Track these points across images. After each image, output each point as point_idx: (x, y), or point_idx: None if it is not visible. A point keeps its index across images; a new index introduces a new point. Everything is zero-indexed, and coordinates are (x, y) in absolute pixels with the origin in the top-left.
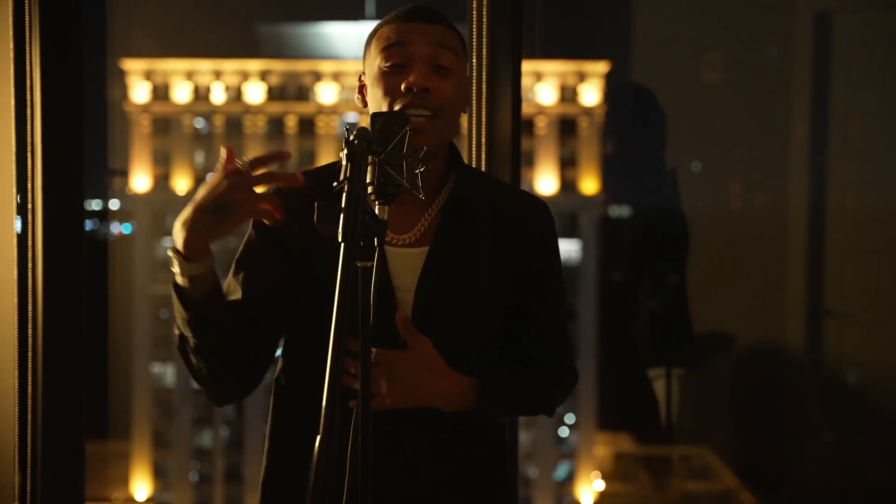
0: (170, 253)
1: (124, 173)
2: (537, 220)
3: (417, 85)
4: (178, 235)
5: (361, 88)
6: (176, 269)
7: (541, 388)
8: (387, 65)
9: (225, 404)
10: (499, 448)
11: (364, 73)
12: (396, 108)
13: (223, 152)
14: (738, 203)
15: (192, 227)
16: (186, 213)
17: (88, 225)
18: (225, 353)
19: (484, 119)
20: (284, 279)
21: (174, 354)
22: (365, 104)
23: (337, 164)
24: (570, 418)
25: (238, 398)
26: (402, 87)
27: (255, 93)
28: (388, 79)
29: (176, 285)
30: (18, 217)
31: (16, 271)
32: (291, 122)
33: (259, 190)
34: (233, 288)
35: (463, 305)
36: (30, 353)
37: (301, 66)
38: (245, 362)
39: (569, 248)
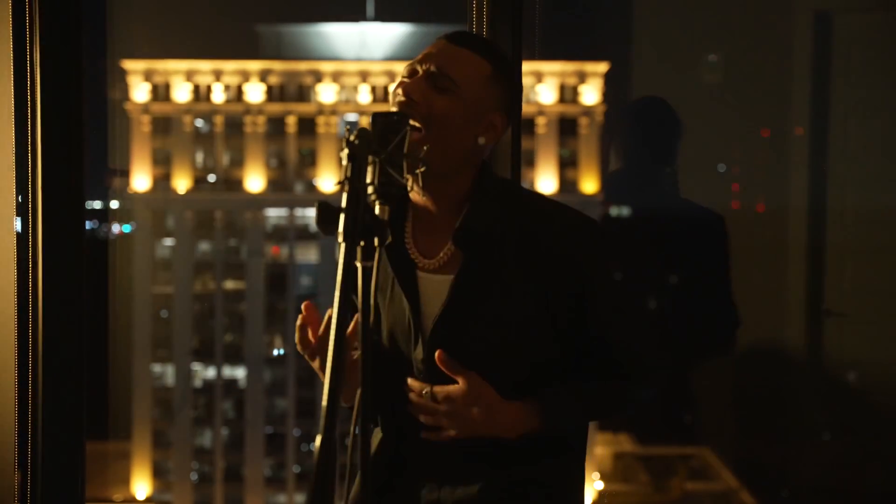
0: None
1: (124, 173)
2: (570, 241)
3: (404, 92)
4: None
5: None
6: None
7: (608, 391)
8: (404, 73)
9: None
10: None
11: None
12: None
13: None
14: (738, 203)
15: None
16: None
17: (88, 225)
18: None
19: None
20: None
21: (174, 354)
22: None
23: None
24: None
25: None
26: (397, 92)
27: (255, 93)
28: (398, 85)
29: None
30: (18, 217)
31: (16, 271)
32: (291, 122)
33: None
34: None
35: (484, 338)
36: (30, 353)
37: (301, 66)
38: None
39: None
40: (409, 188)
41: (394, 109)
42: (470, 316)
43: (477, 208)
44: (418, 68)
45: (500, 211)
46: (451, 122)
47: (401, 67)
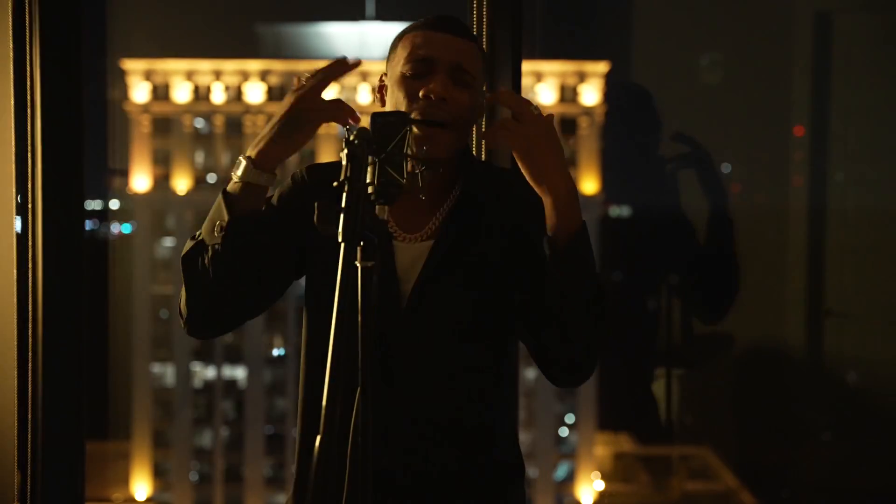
0: (240, 157)
1: (124, 173)
2: (526, 190)
3: (436, 94)
4: (254, 145)
5: (381, 88)
6: (239, 172)
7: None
8: (410, 71)
9: (198, 334)
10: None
11: (386, 74)
12: (413, 114)
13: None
14: (738, 203)
15: (269, 139)
16: (264, 128)
17: (88, 225)
18: (236, 275)
19: (484, 119)
20: (290, 247)
21: (174, 354)
22: (383, 103)
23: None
24: (570, 418)
25: (212, 332)
26: (421, 93)
27: (255, 93)
28: (410, 84)
29: (226, 192)
30: (18, 217)
31: (16, 271)
32: None
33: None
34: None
35: (461, 297)
36: (30, 353)
37: (301, 66)
38: (240, 299)
39: None
40: (408, 186)
41: (414, 114)
42: (444, 276)
43: (472, 180)
44: (434, 65)
45: (487, 184)
46: (469, 117)
47: None
